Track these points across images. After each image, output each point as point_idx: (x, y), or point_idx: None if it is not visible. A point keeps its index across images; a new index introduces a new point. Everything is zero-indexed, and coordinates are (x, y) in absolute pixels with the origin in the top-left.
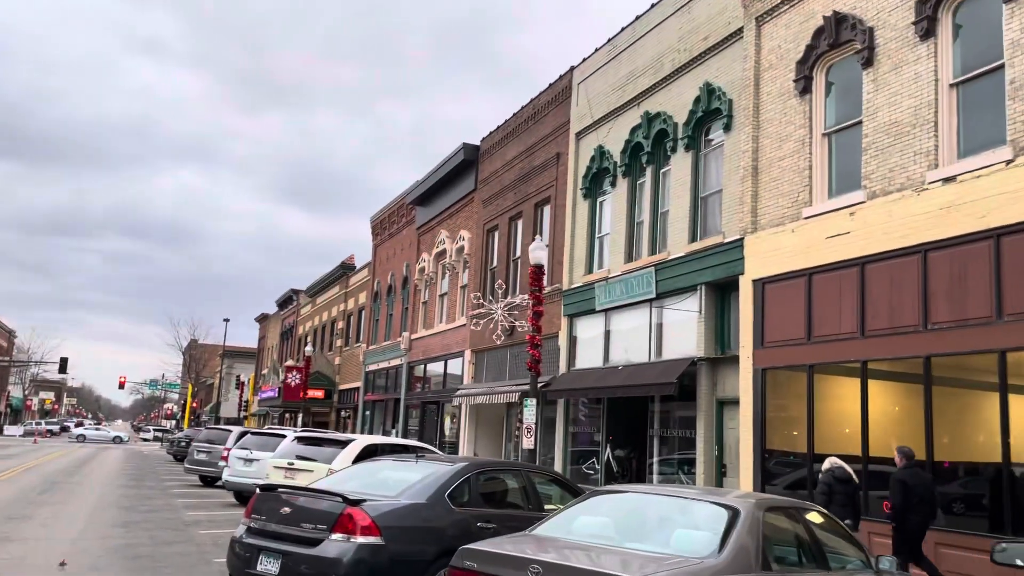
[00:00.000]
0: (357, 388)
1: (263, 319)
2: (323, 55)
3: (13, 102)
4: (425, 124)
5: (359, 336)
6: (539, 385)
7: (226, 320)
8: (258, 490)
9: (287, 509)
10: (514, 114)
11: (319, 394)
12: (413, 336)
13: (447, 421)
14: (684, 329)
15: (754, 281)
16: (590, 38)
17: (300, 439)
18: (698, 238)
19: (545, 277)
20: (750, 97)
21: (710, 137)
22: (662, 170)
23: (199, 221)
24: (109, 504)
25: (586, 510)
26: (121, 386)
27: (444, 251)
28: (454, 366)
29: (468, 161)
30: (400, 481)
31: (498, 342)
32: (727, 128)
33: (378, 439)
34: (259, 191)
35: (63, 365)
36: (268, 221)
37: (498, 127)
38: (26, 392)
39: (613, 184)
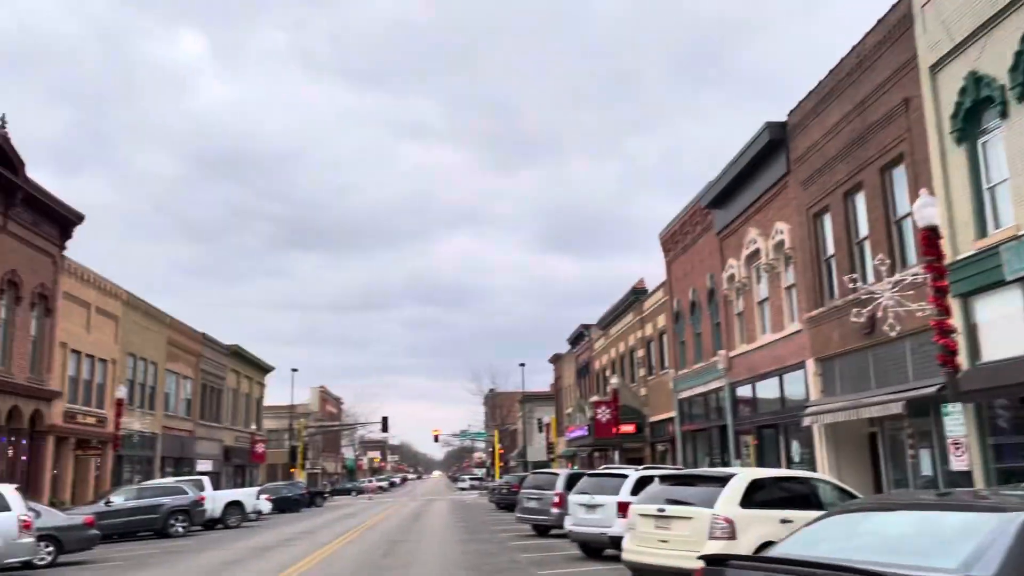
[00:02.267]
0: (670, 418)
1: (556, 359)
2: (567, 105)
3: (314, 200)
4: (673, 152)
5: (663, 362)
6: (935, 388)
7: (522, 365)
8: (703, 564)
9: None
10: (830, 71)
11: (630, 428)
12: (731, 353)
13: (794, 446)
14: None
15: None
16: (829, 28)
17: (662, 479)
18: None
19: (917, 250)
20: None
21: None
22: None
23: (478, 280)
24: (454, 564)
25: None
26: (436, 439)
27: (757, 251)
28: (792, 381)
29: (774, 142)
30: (911, 537)
31: (892, 333)
32: None
33: (763, 472)
34: (526, 243)
35: (384, 424)
36: (539, 271)
37: (809, 93)
38: (356, 453)
39: (1004, 114)
